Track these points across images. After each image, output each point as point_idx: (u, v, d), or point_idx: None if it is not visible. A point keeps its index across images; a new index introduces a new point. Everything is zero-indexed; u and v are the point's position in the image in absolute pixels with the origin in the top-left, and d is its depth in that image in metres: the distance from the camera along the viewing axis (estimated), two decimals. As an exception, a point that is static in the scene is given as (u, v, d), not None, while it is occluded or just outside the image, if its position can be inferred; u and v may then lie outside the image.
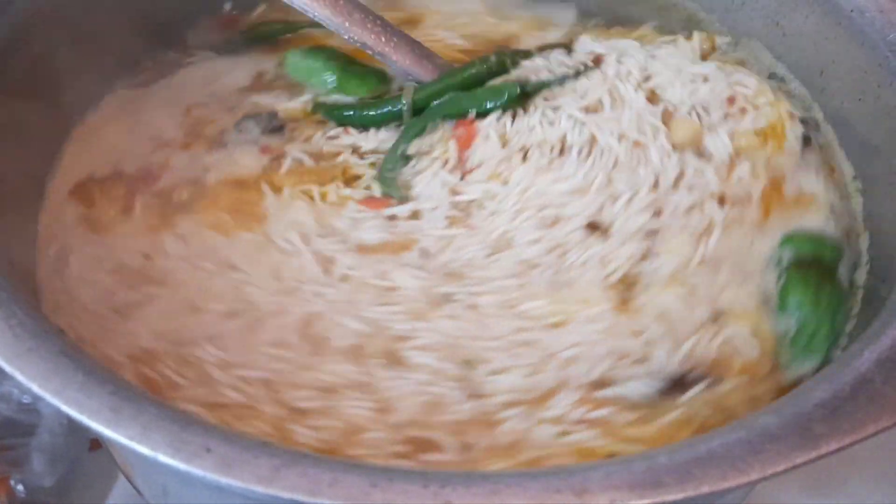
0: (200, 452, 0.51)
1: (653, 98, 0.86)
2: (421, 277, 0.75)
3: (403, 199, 0.80)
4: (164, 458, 0.51)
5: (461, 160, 0.82)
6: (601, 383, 0.69)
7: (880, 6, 0.82)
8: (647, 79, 0.87)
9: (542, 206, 0.78)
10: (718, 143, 0.82)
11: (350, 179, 0.83)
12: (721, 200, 0.78)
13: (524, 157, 0.81)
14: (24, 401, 0.83)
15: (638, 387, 0.68)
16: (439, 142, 0.84)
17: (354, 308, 0.73)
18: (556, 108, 0.84)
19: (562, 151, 0.82)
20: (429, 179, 0.82)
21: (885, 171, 0.79)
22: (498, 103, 0.84)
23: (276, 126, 0.87)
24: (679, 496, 0.50)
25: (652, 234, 0.77)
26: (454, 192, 0.80)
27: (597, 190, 0.79)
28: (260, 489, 0.49)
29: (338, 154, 0.85)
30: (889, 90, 0.79)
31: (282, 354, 0.70)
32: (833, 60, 0.87)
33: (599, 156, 0.81)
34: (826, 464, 0.75)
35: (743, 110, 0.85)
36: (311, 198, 0.81)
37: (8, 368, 0.55)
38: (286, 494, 0.49)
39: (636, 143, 0.82)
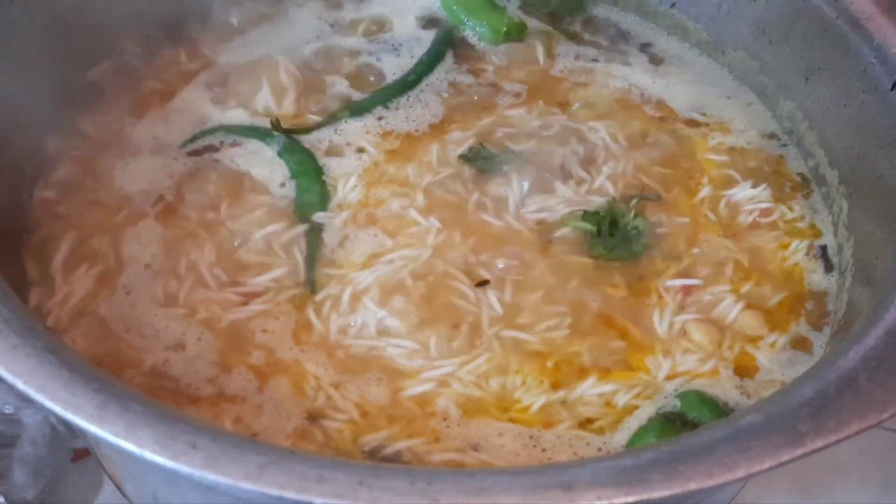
0: (187, 450, 0.50)
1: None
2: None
3: None
4: (150, 455, 0.50)
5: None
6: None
7: (865, 13, 0.82)
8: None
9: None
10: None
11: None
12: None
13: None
14: (7, 411, 0.81)
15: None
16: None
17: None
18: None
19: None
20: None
21: (870, 176, 0.80)
22: None
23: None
24: (665, 493, 0.50)
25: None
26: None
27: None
28: (248, 486, 0.49)
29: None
30: (873, 95, 0.80)
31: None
32: (819, 67, 0.88)
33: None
34: (812, 468, 0.75)
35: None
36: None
37: (-8, 365, 0.54)
38: (274, 491, 0.49)
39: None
